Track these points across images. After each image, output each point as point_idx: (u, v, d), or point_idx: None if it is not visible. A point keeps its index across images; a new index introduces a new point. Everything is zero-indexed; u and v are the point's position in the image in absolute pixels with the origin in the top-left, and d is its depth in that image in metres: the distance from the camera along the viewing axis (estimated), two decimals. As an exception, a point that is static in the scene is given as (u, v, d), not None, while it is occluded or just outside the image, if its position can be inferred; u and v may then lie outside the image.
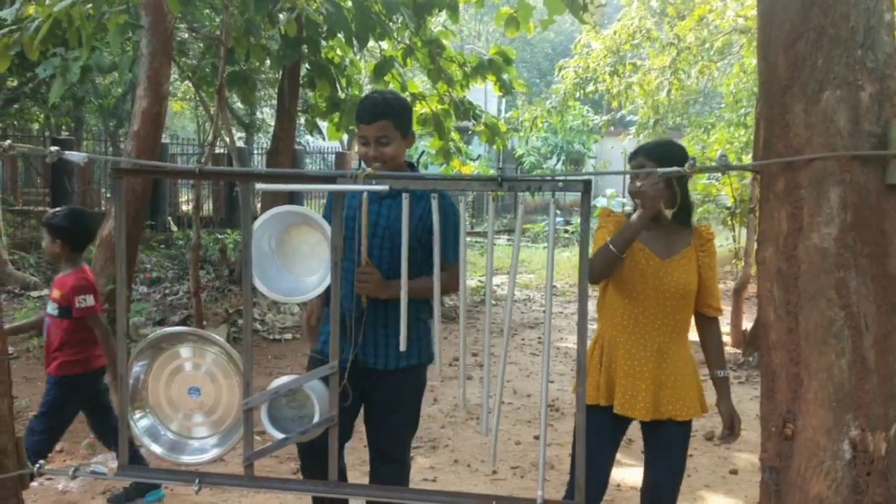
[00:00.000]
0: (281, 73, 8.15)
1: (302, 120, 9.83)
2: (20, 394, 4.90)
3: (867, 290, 1.61)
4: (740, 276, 7.64)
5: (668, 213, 2.41)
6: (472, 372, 6.20)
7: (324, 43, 6.84)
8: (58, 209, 3.47)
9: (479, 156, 18.62)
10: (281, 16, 5.79)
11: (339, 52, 7.32)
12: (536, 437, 4.62)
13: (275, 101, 10.73)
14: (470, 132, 8.19)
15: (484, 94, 15.48)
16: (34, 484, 3.51)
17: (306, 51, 6.65)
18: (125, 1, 4.78)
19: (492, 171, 17.18)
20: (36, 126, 13.78)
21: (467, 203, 1.99)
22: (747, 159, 8.87)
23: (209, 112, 8.43)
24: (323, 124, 7.93)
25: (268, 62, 7.30)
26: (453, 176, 2.47)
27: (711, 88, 12.31)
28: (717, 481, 4.13)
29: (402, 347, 2.06)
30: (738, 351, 7.07)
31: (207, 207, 14.09)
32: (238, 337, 6.57)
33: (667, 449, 2.49)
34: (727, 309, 7.68)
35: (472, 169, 14.42)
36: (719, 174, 7.68)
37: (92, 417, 3.52)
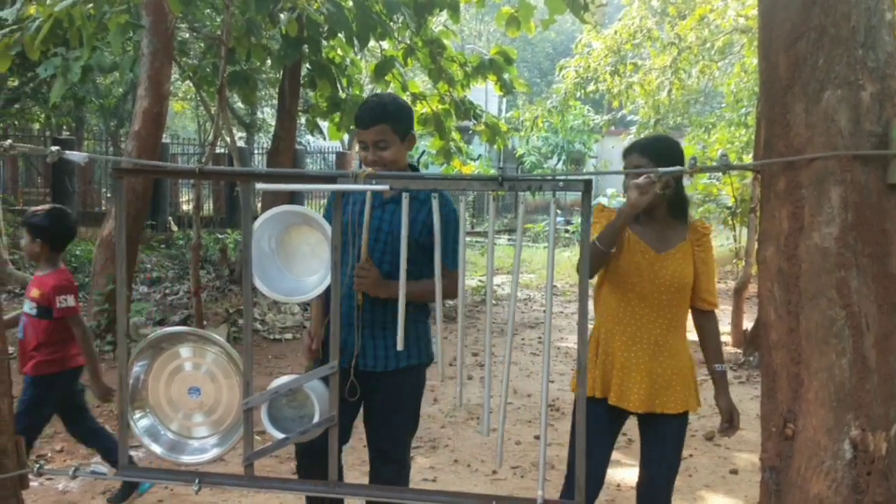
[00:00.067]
0: (282, 72, 8.15)
1: (303, 120, 9.84)
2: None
3: (868, 289, 1.61)
4: (741, 275, 7.63)
5: (662, 205, 2.41)
6: (473, 372, 6.21)
7: (325, 43, 6.85)
8: (38, 208, 3.43)
9: (480, 155, 18.62)
10: (282, 16, 5.79)
11: (339, 51, 7.32)
12: (537, 437, 4.62)
13: (275, 101, 10.74)
14: (470, 132, 8.19)
15: (485, 93, 15.50)
16: (34, 484, 3.51)
17: (307, 51, 6.65)
18: (126, 1, 4.78)
19: (492, 171, 17.21)
20: (37, 126, 13.81)
21: (468, 203, 1.99)
22: (748, 159, 8.88)
23: (210, 112, 8.44)
24: (324, 124, 7.94)
25: (269, 62, 7.30)
26: (454, 176, 2.47)
27: (712, 88, 12.32)
28: (717, 481, 4.13)
29: (400, 347, 2.07)
30: (739, 351, 7.06)
31: (208, 207, 14.11)
32: (238, 337, 6.57)
33: (662, 443, 2.50)
34: (728, 309, 7.68)
35: (472, 169, 14.43)
36: (720, 174, 7.67)
37: (67, 418, 3.47)
